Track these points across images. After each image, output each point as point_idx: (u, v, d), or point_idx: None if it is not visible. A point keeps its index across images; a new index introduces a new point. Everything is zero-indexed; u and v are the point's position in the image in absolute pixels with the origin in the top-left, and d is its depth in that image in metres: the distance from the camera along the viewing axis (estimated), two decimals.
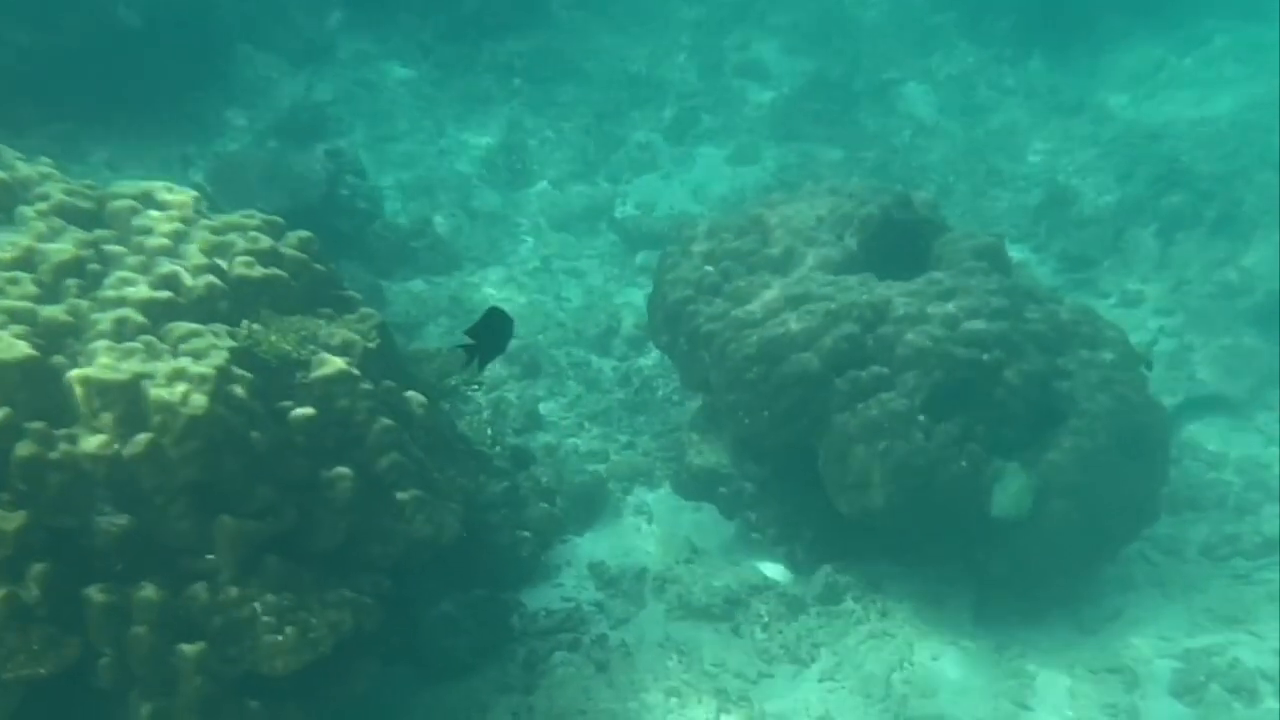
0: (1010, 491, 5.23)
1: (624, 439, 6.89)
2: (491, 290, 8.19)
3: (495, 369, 6.86)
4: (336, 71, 10.62)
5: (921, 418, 5.27)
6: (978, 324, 5.42)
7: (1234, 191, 8.43)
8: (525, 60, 10.91)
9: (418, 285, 8.22)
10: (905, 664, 5.42)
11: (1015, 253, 8.26)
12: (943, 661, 5.46)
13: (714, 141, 10.32)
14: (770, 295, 5.85)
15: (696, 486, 6.25)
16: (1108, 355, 5.85)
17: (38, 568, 3.62)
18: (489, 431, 6.45)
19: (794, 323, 5.59)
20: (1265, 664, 5.47)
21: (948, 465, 5.21)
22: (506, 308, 7.94)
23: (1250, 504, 6.53)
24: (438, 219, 8.95)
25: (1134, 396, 5.67)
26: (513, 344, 7.52)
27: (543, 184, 9.70)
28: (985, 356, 5.34)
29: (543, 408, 7.07)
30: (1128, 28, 10.74)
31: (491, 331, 4.05)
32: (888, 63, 11.12)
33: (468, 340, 4.08)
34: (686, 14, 11.85)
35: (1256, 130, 9.47)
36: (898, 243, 6.21)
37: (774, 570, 5.97)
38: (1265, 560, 6.18)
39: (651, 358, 7.33)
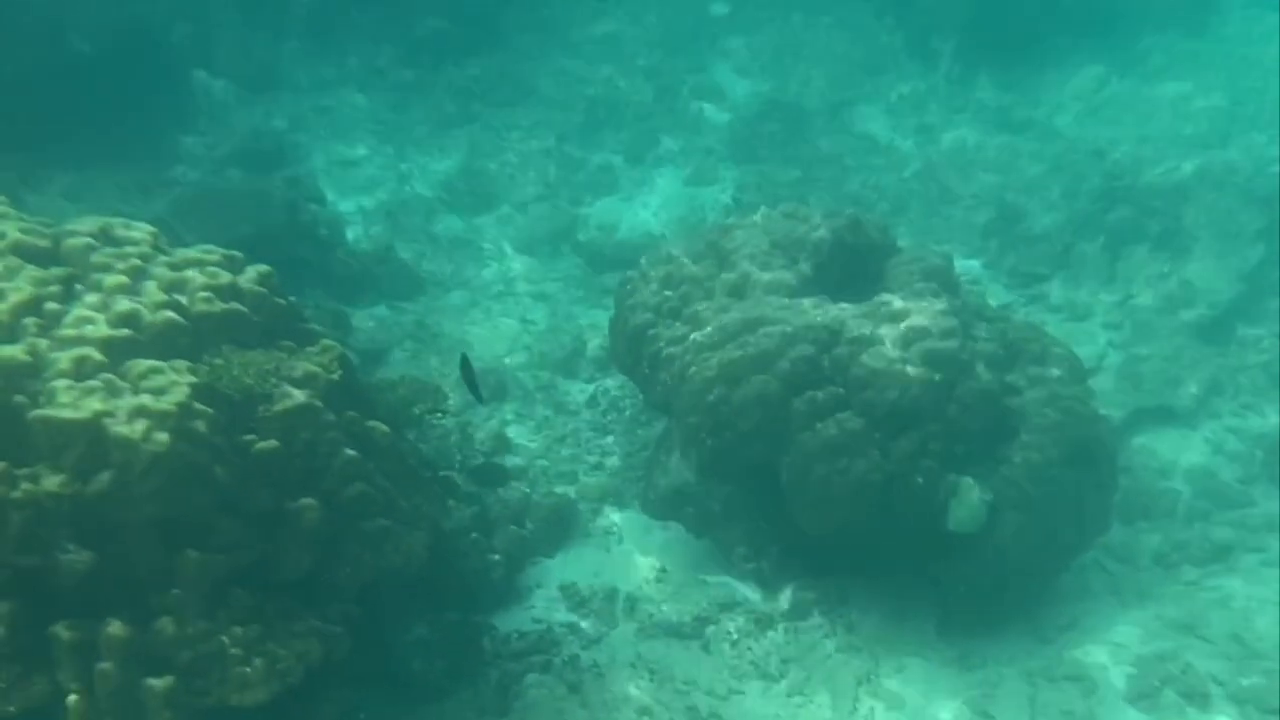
0: (966, 505, 5.37)
1: (592, 460, 6.96)
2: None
3: (459, 393, 6.89)
4: (294, 98, 10.60)
5: (877, 435, 5.40)
6: (929, 344, 5.57)
7: (1174, 207, 8.70)
8: (483, 84, 10.97)
9: (381, 311, 8.23)
10: (872, 677, 5.54)
11: (967, 269, 8.51)
12: (908, 673, 5.59)
13: (673, 163, 10.45)
14: (728, 319, 5.96)
15: (664, 506, 6.35)
16: (1055, 371, 6.04)
17: (3, 606, 3.63)
18: (457, 456, 6.49)
19: (752, 345, 5.71)
20: (1216, 669, 5.66)
21: (905, 481, 5.35)
22: (470, 333, 8.04)
23: (1199, 512, 6.75)
24: (400, 244, 8.96)
25: (1081, 410, 5.85)
26: (479, 367, 7.64)
27: (505, 207, 9.75)
28: (937, 376, 5.49)
29: (511, 430, 7.12)
30: (1070, 47, 11.05)
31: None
32: (840, 84, 11.33)
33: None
34: (640, 36, 11.99)
35: (1194, 146, 9.79)
36: (850, 265, 6.37)
37: (742, 588, 6.06)
38: (1214, 566, 6.40)
39: (618, 379, 7.41)
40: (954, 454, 5.43)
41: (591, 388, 7.59)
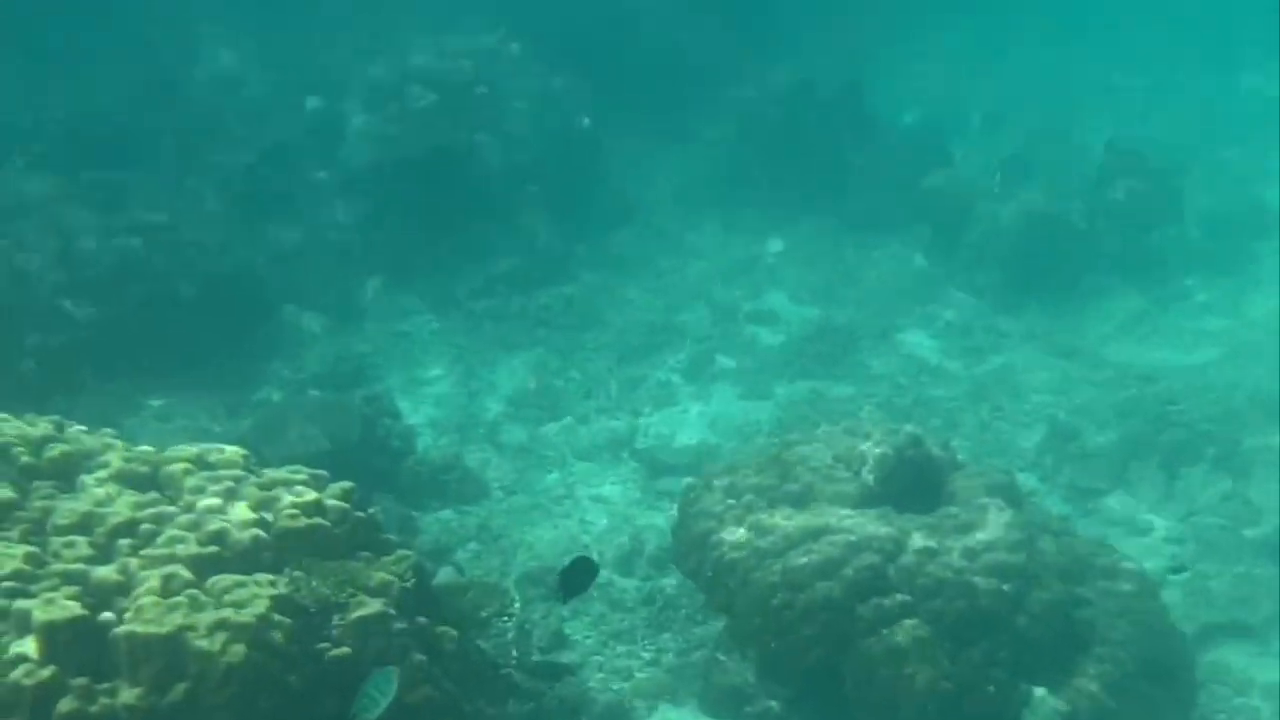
0: (1040, 717, 5.26)
1: (648, 657, 6.96)
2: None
3: (522, 590, 7.06)
4: (375, 325, 11.46)
5: (946, 644, 5.40)
6: (997, 555, 5.66)
7: (1230, 432, 8.89)
8: (552, 311, 11.73)
9: (447, 514, 8.55)
10: None
11: (1023, 481, 8.61)
12: None
13: (729, 379, 10.92)
14: (792, 527, 6.12)
15: (722, 705, 6.29)
16: (1126, 586, 6.04)
17: None
18: (514, 652, 6.55)
19: (816, 553, 5.83)
20: None
21: (976, 690, 5.28)
22: (531, 534, 8.27)
23: None
24: (467, 453, 9.38)
25: (1156, 623, 5.80)
26: (534, 565, 7.84)
27: (568, 419, 10.18)
28: (1006, 586, 5.54)
29: (568, 627, 7.17)
30: (1112, 283, 11.64)
31: (577, 574, 4.61)
32: (889, 310, 11.93)
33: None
34: (700, 270, 12.84)
35: (1245, 376, 10.05)
36: (912, 479, 6.56)
37: None
38: None
39: (675, 578, 7.49)
40: (1024, 664, 5.38)
41: (648, 586, 7.70)
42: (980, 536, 5.77)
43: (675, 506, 7.37)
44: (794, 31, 17.56)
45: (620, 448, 9.74)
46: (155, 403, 9.34)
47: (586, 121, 13.18)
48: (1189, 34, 19.89)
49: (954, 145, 14.22)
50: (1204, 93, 18.56)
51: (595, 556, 4.46)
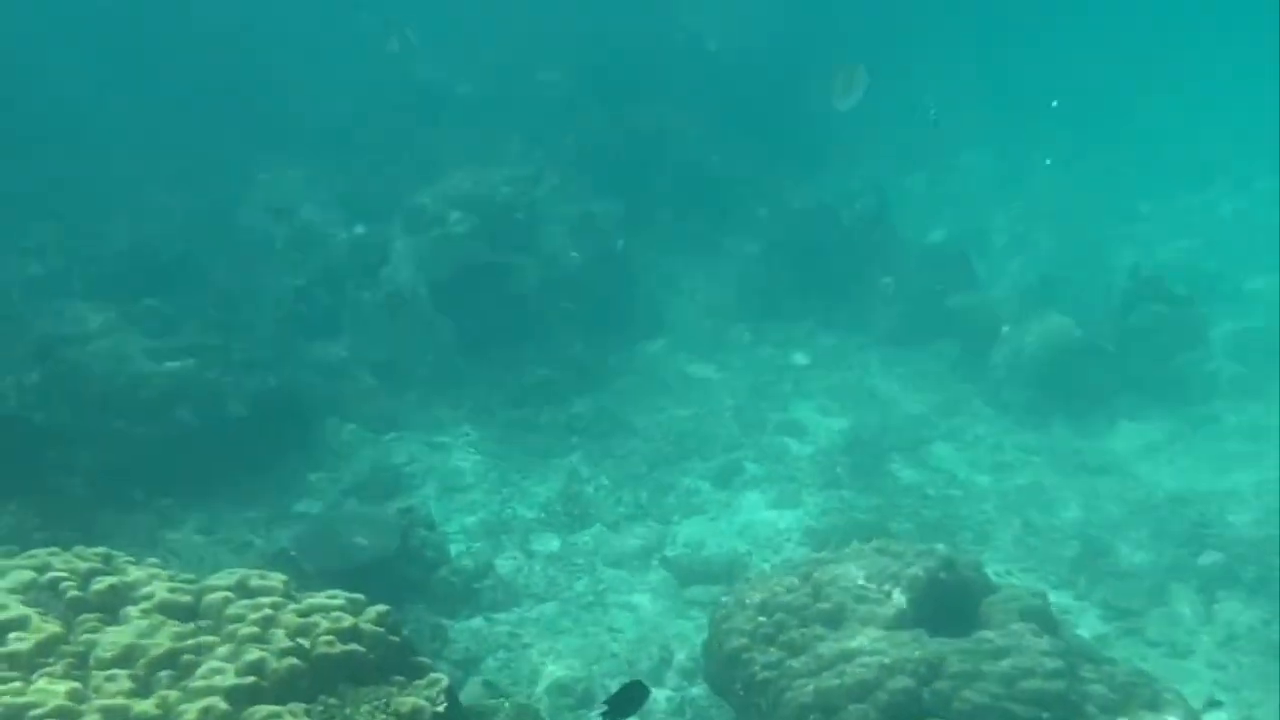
0: None
1: None
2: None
3: (551, 699, 6.98)
4: (412, 435, 11.74)
5: None
6: (1034, 683, 5.61)
7: (1266, 555, 8.80)
8: (583, 420, 11.96)
9: (478, 623, 8.58)
10: None
11: (1057, 600, 8.54)
12: None
13: (758, 488, 10.99)
14: (824, 647, 6.10)
15: None
16: (1171, 717, 5.93)
17: None
18: None
19: (849, 675, 5.80)
20: None
21: None
22: (561, 642, 8.27)
23: None
24: (499, 560, 9.44)
25: None
26: (564, 674, 7.81)
27: (598, 526, 10.29)
28: (1045, 715, 5.48)
29: None
30: (1139, 406, 11.72)
31: (628, 700, 4.69)
32: (916, 424, 12.03)
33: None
34: (728, 381, 13.04)
35: (1277, 501, 9.99)
36: (945, 601, 6.53)
37: None
38: None
39: (703, 688, 7.43)
40: None
41: (679, 697, 7.67)
42: (1017, 663, 5.73)
43: (705, 616, 7.37)
44: (820, 150, 18.22)
45: (650, 555, 9.81)
46: (198, 516, 9.61)
47: (620, 243, 13.74)
48: (1209, 155, 20.39)
49: (979, 264, 14.52)
50: (1224, 214, 18.93)
51: (648, 684, 4.54)
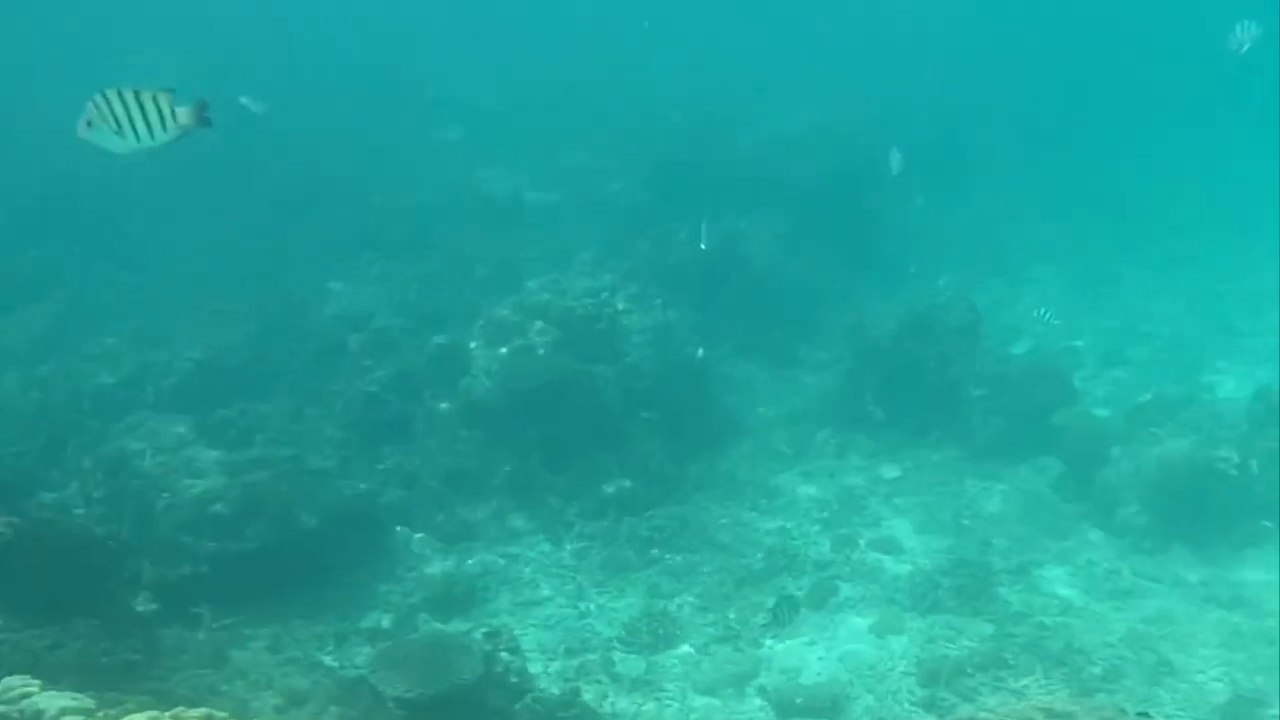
0: None
1: None
2: None
3: None
4: (486, 546, 11.26)
5: None
6: None
7: None
8: (664, 533, 11.37)
9: None
10: None
11: None
12: None
13: (854, 610, 10.22)
14: None
15: None
16: None
17: None
18: None
19: None
20: None
21: None
22: None
23: None
24: (584, 683, 8.76)
25: None
26: None
27: (685, 647, 9.61)
28: None
29: None
30: (1269, 534, 10.78)
31: None
32: (1021, 545, 11.20)
33: None
34: (814, 495, 12.36)
35: None
36: None
37: None
38: None
39: None
40: None
41: None
42: None
43: None
44: (897, 258, 17.93)
45: (744, 682, 9.09)
46: (265, 635, 9.21)
47: (700, 352, 13.50)
48: None
49: (1073, 378, 13.85)
50: None
51: None
